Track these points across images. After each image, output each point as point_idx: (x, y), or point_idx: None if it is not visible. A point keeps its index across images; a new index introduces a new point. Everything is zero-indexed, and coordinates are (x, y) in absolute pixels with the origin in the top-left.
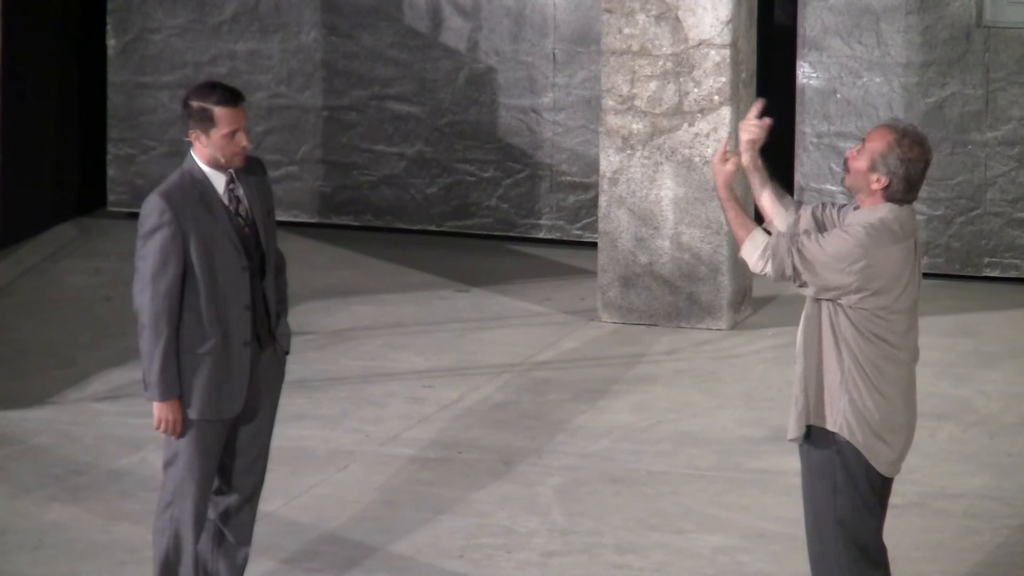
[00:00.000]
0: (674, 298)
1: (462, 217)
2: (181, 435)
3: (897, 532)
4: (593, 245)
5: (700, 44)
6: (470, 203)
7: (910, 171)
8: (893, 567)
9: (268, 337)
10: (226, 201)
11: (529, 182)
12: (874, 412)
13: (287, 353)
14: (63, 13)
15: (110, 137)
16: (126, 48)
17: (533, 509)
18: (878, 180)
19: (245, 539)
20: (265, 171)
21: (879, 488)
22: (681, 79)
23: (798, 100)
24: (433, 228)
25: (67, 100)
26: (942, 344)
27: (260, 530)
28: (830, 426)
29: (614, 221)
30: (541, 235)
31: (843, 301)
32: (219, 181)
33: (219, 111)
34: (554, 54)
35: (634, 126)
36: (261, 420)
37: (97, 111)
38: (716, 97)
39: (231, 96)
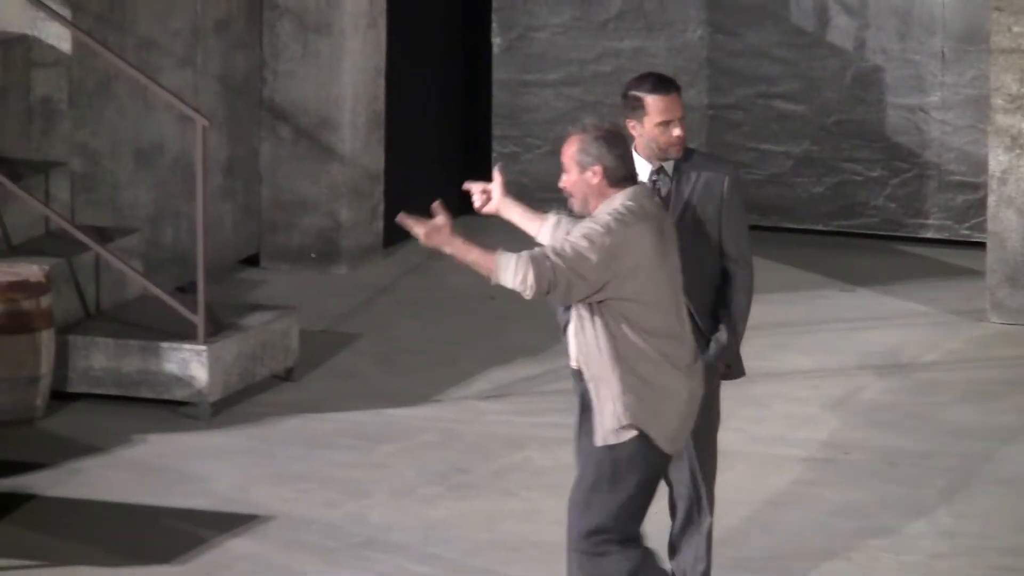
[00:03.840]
0: None
1: (849, 216)
2: None
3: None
4: (981, 245)
5: None
6: (857, 203)
7: (612, 147)
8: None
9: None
10: None
11: (916, 181)
12: (649, 397)
13: (713, 364)
14: (449, 11)
15: (494, 135)
16: (511, 46)
17: (919, 510)
18: (594, 172)
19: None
20: (728, 175)
21: (660, 469)
22: None
23: None
24: (820, 227)
25: (453, 98)
26: None
27: None
28: (624, 420)
29: (1003, 221)
30: (928, 235)
31: (606, 292)
32: (644, 172)
33: (650, 99)
34: (942, 52)
35: (1023, 125)
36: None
37: (483, 109)
38: None
39: (662, 84)
